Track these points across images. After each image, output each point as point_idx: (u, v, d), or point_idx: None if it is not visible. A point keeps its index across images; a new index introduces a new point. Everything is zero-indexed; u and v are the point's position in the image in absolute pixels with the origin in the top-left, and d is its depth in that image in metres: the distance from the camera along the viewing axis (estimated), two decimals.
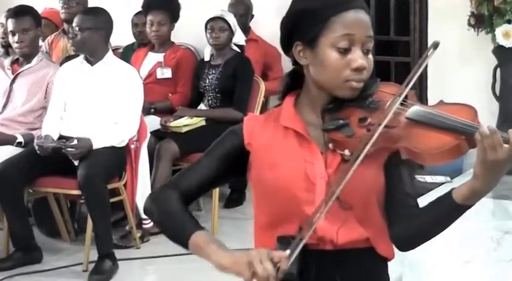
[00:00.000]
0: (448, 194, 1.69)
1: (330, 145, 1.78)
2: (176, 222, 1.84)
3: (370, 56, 1.80)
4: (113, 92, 4.53)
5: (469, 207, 1.69)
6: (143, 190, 4.73)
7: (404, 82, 1.76)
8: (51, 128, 4.54)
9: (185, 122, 5.10)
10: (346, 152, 1.75)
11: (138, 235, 4.74)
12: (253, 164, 1.85)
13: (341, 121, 1.76)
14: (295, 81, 1.88)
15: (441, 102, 1.79)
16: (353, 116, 1.76)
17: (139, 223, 4.78)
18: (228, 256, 1.72)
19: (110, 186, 4.49)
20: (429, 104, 6.09)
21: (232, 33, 5.26)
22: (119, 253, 4.47)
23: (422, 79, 5.72)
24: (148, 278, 4.64)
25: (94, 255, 4.37)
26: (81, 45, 4.64)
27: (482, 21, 5.24)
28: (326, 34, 1.76)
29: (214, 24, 5.24)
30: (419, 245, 1.82)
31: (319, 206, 1.71)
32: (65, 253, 4.71)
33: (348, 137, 1.74)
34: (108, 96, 4.52)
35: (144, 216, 4.76)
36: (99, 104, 4.52)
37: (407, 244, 1.81)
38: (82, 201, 4.76)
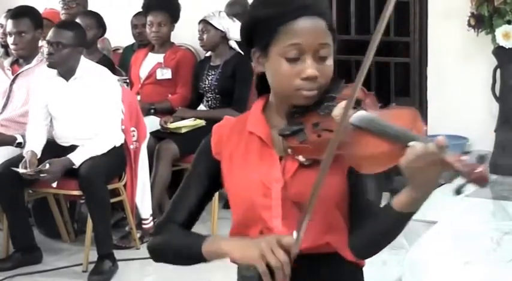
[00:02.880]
0: (389, 203, 1.67)
1: (289, 150, 1.76)
2: (186, 249, 1.87)
3: (329, 61, 1.76)
4: (91, 105, 4.44)
5: (411, 214, 1.66)
6: (143, 190, 4.74)
7: (354, 84, 1.68)
8: (35, 138, 4.48)
9: (185, 124, 5.10)
10: (300, 157, 1.73)
11: (138, 235, 4.75)
12: (223, 172, 1.88)
13: (295, 127, 1.74)
14: (265, 85, 1.86)
15: (391, 107, 1.73)
16: (309, 121, 1.73)
17: (139, 223, 4.78)
18: (239, 250, 1.73)
19: (109, 186, 4.49)
20: (429, 105, 6.07)
21: (221, 32, 5.25)
22: (118, 254, 4.48)
23: (422, 80, 5.72)
24: (148, 278, 4.64)
25: (94, 255, 4.37)
26: (61, 62, 4.44)
27: (482, 21, 5.24)
28: (276, 43, 1.75)
29: (199, 26, 5.28)
30: (373, 254, 1.80)
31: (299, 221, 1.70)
32: (65, 254, 4.71)
33: (301, 142, 1.72)
34: (87, 110, 4.45)
35: (144, 216, 4.78)
36: (79, 118, 4.46)
37: (361, 253, 1.79)
38: (82, 201, 4.76)
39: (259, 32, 1.78)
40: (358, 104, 1.70)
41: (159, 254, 1.96)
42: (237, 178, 1.84)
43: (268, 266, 1.66)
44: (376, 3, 5.87)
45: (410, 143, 1.56)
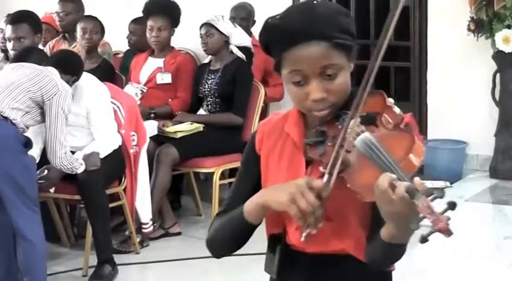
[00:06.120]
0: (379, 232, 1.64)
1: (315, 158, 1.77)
2: (232, 223, 1.85)
3: (339, 79, 1.72)
4: (81, 115, 4.42)
5: (401, 245, 1.62)
6: (143, 194, 4.73)
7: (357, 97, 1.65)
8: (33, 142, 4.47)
9: (181, 128, 5.09)
10: (321, 168, 1.70)
11: (138, 239, 4.74)
12: (261, 168, 1.88)
13: (317, 138, 1.74)
14: None
15: (397, 127, 1.66)
16: (331, 132, 1.72)
17: (139, 227, 4.78)
18: (271, 197, 1.72)
19: (109, 191, 4.48)
20: (429, 109, 6.04)
21: (225, 37, 5.25)
22: (118, 258, 4.47)
23: (422, 84, 5.73)
24: None
25: (94, 260, 4.37)
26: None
27: (481, 26, 5.25)
28: (283, 68, 1.76)
29: (202, 30, 5.27)
30: (386, 266, 1.79)
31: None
32: (65, 258, 4.70)
33: (320, 155, 1.72)
34: (78, 121, 4.41)
35: (143, 221, 4.77)
36: (72, 128, 4.37)
37: (375, 263, 1.75)
38: (82, 206, 4.75)
39: (270, 54, 1.80)
40: (371, 121, 1.67)
41: (216, 245, 1.92)
42: (268, 176, 1.84)
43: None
44: (375, 7, 5.88)
45: (377, 184, 1.51)
